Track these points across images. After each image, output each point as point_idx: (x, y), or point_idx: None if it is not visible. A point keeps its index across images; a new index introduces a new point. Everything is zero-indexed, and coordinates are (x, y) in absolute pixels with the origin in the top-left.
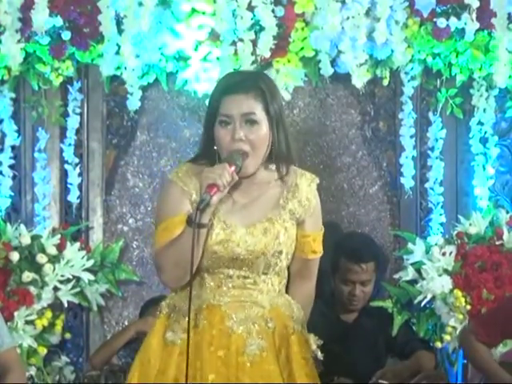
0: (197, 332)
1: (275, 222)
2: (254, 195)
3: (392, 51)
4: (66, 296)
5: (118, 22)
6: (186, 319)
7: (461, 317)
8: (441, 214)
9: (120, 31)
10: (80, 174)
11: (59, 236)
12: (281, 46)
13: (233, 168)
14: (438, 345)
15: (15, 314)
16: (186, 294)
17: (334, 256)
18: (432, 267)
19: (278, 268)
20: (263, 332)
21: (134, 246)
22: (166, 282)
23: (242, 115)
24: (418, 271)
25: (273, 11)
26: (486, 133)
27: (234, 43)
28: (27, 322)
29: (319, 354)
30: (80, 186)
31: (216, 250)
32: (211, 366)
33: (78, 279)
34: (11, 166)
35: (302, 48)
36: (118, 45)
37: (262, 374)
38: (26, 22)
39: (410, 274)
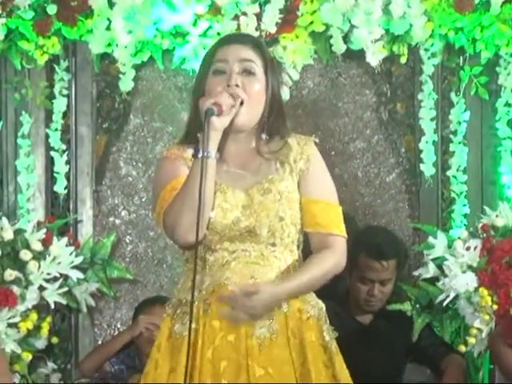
0: (207, 318)
1: (275, 181)
2: (250, 162)
3: (410, 25)
4: (53, 296)
5: None
6: (194, 307)
7: (487, 317)
8: (464, 205)
9: (111, 4)
10: (67, 162)
11: (45, 230)
12: (288, 20)
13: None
14: (462, 348)
15: None
16: (190, 284)
17: (351, 251)
18: (455, 263)
19: (286, 237)
20: (275, 313)
21: (128, 241)
22: (182, 237)
23: (239, 60)
24: (440, 268)
25: None
26: None
27: (236, 17)
28: (10, 325)
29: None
30: (67, 175)
31: (213, 215)
32: (222, 352)
33: (66, 278)
34: None
35: (312, 22)
36: (108, 19)
37: (272, 359)
38: None
39: (430, 270)
